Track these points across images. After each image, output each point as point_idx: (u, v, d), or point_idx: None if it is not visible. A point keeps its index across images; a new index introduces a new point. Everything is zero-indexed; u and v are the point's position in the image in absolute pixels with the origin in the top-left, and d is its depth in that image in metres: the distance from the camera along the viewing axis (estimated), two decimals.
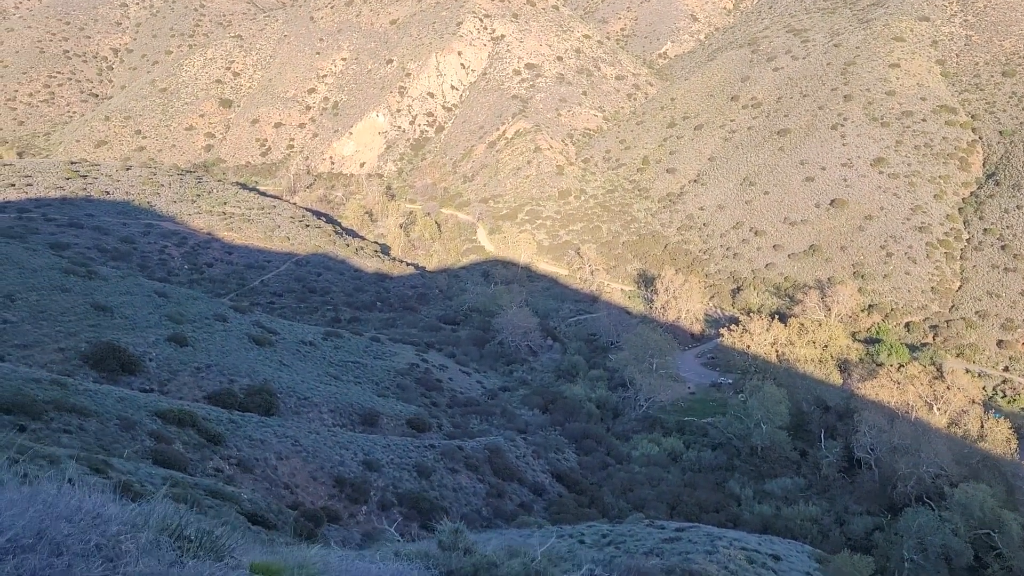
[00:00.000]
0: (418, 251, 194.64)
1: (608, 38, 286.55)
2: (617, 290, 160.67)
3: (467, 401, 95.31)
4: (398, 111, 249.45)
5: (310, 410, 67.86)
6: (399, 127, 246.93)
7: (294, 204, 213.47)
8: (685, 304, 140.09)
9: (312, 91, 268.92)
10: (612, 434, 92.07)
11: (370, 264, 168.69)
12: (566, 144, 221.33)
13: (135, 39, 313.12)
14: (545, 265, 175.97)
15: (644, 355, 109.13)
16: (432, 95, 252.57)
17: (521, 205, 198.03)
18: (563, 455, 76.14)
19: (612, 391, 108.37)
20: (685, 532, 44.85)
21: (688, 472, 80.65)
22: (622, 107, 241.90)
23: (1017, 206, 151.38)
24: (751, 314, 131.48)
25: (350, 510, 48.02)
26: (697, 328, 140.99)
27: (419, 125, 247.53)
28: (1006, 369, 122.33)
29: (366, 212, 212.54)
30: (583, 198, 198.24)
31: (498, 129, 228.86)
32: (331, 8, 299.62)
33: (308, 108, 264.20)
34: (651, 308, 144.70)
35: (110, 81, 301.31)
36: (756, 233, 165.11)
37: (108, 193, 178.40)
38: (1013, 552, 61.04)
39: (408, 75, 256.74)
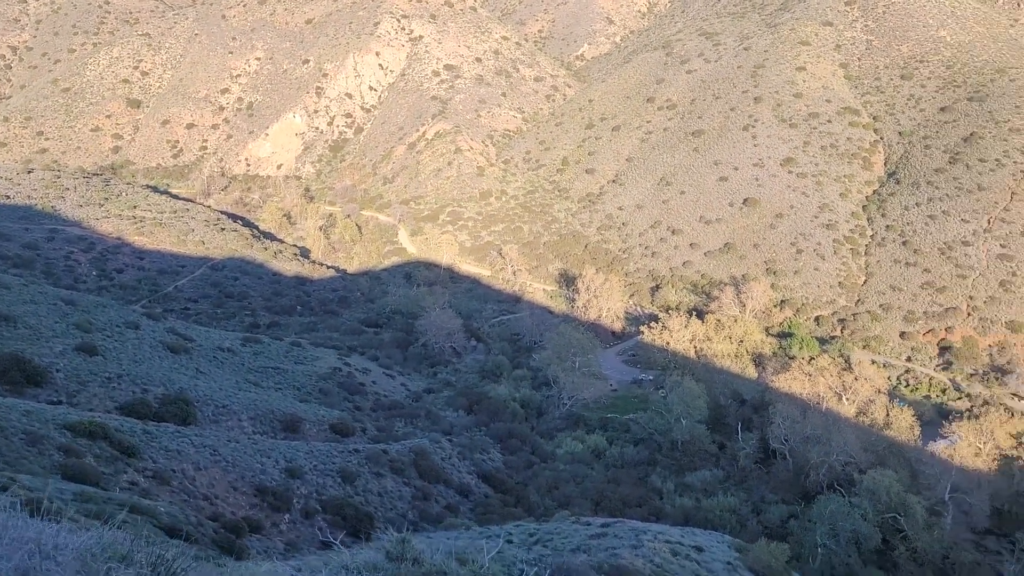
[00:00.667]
0: (339, 254, 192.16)
1: (526, 40, 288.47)
2: (539, 290, 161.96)
3: (391, 404, 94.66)
4: (315, 112, 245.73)
5: (229, 418, 66.34)
6: (317, 128, 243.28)
7: (209, 207, 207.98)
8: (606, 303, 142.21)
9: (225, 91, 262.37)
10: (537, 433, 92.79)
11: (289, 267, 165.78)
12: (486, 145, 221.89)
13: (35, 36, 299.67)
14: (468, 266, 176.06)
15: (567, 354, 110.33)
16: (350, 96, 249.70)
17: (443, 206, 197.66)
18: (488, 455, 76.38)
19: (536, 390, 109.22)
20: (610, 528, 45.58)
21: (612, 468, 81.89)
22: (541, 108, 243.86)
23: (916, 203, 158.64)
24: (670, 311, 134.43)
25: (272, 519, 47.17)
26: (618, 326, 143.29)
27: (337, 126, 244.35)
28: (909, 359, 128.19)
29: (284, 215, 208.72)
30: (504, 199, 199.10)
31: (418, 130, 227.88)
32: (244, 6, 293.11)
33: (222, 109, 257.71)
34: (573, 307, 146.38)
35: (8, 80, 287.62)
36: (673, 232, 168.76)
37: (8, 197, 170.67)
38: (917, 534, 64.05)
39: (325, 76, 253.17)
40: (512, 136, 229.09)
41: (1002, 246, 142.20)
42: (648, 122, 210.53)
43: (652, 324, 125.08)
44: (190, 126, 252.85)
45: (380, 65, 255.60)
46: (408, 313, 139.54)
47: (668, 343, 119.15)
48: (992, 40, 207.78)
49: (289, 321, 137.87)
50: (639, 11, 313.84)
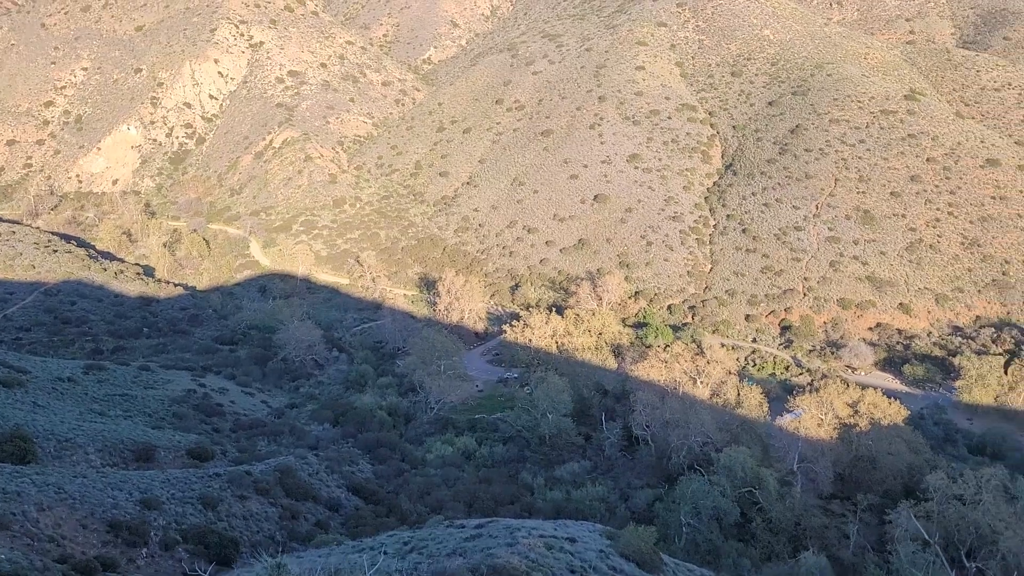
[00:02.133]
0: (186, 270, 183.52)
1: (372, 44, 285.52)
2: (400, 295, 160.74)
3: (252, 423, 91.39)
4: (152, 123, 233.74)
5: (74, 452, 62.11)
6: (155, 140, 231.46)
7: (37, 228, 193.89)
8: (467, 304, 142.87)
9: (50, 104, 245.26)
10: (406, 440, 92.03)
11: (133, 288, 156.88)
12: (337, 152, 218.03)
13: None
14: (325, 275, 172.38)
15: (431, 358, 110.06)
16: (189, 105, 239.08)
17: (295, 216, 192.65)
18: (357, 467, 75.06)
19: (403, 397, 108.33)
20: (485, 528, 45.78)
21: (483, 468, 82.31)
22: (391, 113, 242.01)
23: (752, 193, 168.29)
24: (530, 309, 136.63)
25: (128, 555, 44.54)
26: (481, 327, 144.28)
27: (177, 137, 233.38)
28: (754, 340, 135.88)
29: (124, 233, 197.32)
30: (359, 205, 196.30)
31: (264, 139, 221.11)
32: (65, 14, 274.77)
33: (47, 123, 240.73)
34: (435, 311, 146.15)
35: None
36: (529, 231, 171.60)
37: None
38: (771, 504, 67.90)
39: (160, 85, 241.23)
40: (363, 142, 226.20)
41: (830, 229, 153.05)
42: (498, 123, 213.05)
43: (514, 322, 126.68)
44: (11, 143, 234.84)
45: (220, 73, 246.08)
46: (265, 328, 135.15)
47: (530, 340, 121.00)
48: (810, 38, 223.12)
49: (136, 344, 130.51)
50: (483, 14, 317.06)
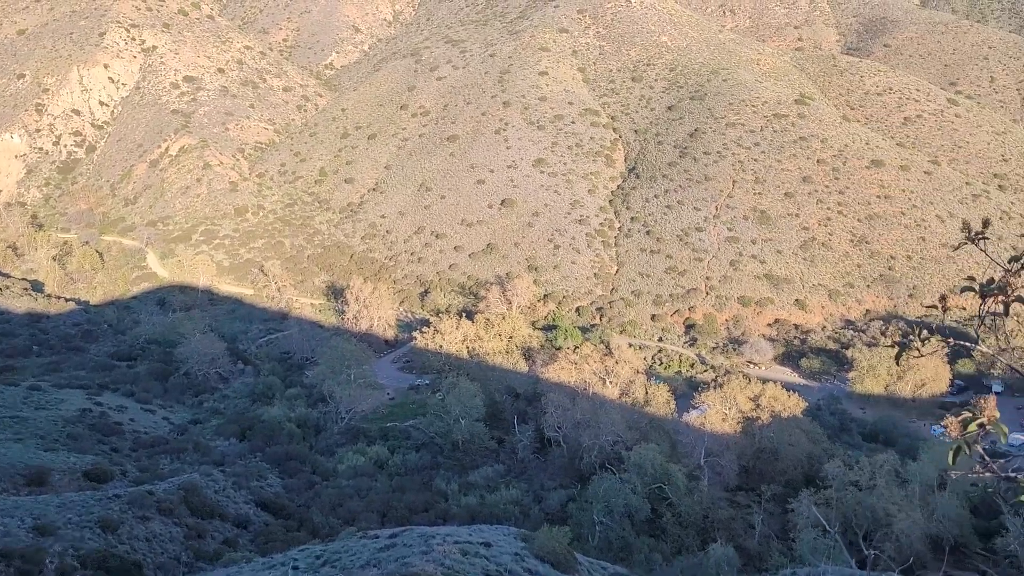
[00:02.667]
0: (79, 284, 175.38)
1: (271, 49, 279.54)
2: (307, 305, 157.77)
3: (154, 441, 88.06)
4: (38, 131, 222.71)
5: None
6: (41, 149, 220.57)
7: None
8: (376, 312, 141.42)
9: None
10: (316, 451, 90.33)
11: (20, 304, 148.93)
12: (238, 159, 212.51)
13: None
14: (228, 286, 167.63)
15: (341, 367, 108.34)
16: (78, 112, 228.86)
17: (195, 226, 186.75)
18: (266, 481, 73.26)
19: (312, 407, 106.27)
20: (399, 537, 45.41)
21: (396, 477, 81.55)
22: (293, 119, 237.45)
23: (655, 195, 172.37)
24: (440, 315, 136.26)
25: None
26: (391, 334, 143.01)
27: (65, 146, 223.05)
28: (660, 340, 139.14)
29: (9, 246, 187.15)
30: (262, 214, 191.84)
31: (160, 146, 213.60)
32: None
33: None
34: (343, 319, 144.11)
35: None
36: (437, 236, 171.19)
37: None
38: (680, 499, 69.64)
39: (46, 91, 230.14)
40: (265, 149, 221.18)
41: (729, 230, 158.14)
42: (403, 129, 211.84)
43: (424, 329, 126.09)
44: None
45: (111, 78, 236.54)
46: (165, 342, 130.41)
47: (441, 346, 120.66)
48: (706, 44, 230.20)
49: (25, 363, 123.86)
50: (385, 19, 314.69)
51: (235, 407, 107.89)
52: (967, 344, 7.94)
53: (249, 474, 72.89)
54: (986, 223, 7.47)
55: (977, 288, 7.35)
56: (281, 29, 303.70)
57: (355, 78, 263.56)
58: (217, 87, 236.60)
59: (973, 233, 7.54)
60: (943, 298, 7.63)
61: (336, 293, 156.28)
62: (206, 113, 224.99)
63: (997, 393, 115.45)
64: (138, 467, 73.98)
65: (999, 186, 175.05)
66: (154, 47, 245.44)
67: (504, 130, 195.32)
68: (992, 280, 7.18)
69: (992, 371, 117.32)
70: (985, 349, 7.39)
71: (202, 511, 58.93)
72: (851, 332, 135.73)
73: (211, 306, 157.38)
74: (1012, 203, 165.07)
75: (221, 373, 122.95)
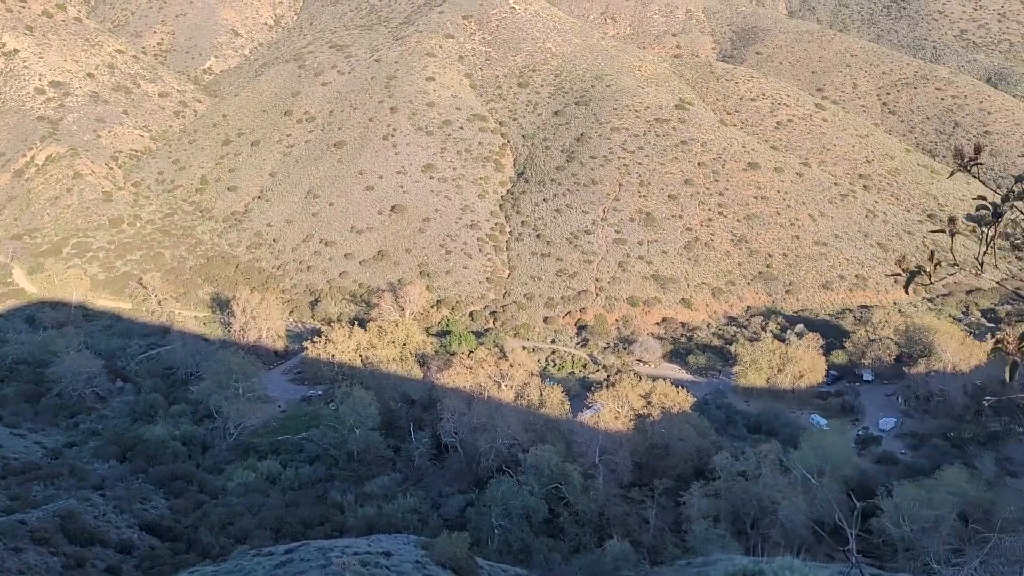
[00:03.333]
0: None
1: (145, 53, 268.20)
2: (190, 318, 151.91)
3: (25, 467, 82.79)
4: None
5: None
6: None
7: None
8: (265, 323, 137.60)
9: None
10: (204, 469, 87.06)
11: None
12: (111, 168, 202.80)
13: None
14: (104, 301, 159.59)
15: (228, 381, 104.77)
16: None
17: (66, 238, 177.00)
18: (151, 503, 70.09)
19: (198, 424, 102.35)
20: (295, 552, 44.28)
21: (289, 492, 79.50)
22: (171, 126, 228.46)
23: (544, 199, 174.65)
24: (332, 323, 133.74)
25: None
26: (280, 345, 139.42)
27: None
28: (553, 342, 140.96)
29: None
30: (139, 224, 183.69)
31: (25, 155, 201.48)
32: None
33: None
34: (230, 331, 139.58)
35: None
36: (327, 244, 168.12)
37: None
38: (577, 498, 70.76)
39: None
40: (141, 156, 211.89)
41: (616, 232, 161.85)
42: (288, 135, 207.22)
43: (315, 339, 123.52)
44: None
45: None
46: (36, 361, 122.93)
47: (333, 355, 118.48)
48: (589, 51, 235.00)
49: None
50: (266, 23, 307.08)
51: (115, 427, 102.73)
52: (976, 270, 7.65)
53: (131, 497, 69.59)
54: (978, 148, 7.24)
55: (990, 207, 6.96)
56: (155, 33, 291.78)
57: (236, 83, 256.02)
58: (87, 93, 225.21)
59: (966, 160, 7.17)
60: (952, 220, 7.63)
61: (222, 305, 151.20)
62: (75, 120, 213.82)
63: (867, 381, 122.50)
64: (8, 495, 69.44)
65: (864, 186, 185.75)
66: (16, 50, 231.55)
67: (392, 136, 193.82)
68: (1010, 194, 6.85)
69: (863, 361, 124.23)
70: (990, 278, 7.60)
71: (81, 538, 55.90)
72: (734, 328, 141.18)
73: (86, 322, 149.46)
74: (876, 202, 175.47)
75: (98, 392, 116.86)
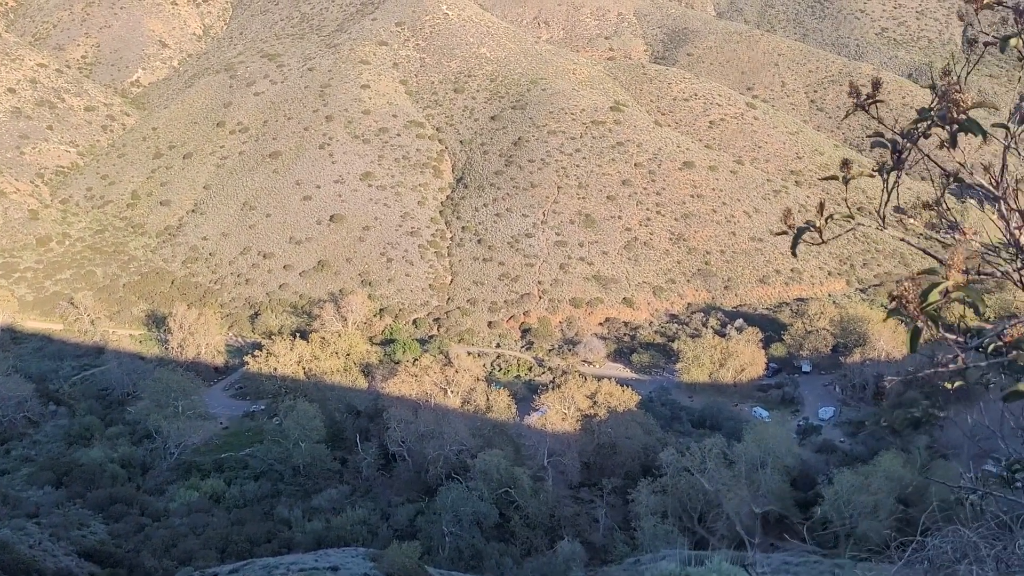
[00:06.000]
0: None
1: (69, 66, 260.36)
2: (125, 336, 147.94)
3: None
4: None
5: None
6: None
7: None
8: (203, 338, 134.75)
9: None
10: (144, 491, 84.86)
11: None
12: (37, 185, 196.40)
13: None
14: (33, 323, 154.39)
15: (167, 399, 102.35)
16: None
17: None
18: (89, 529, 68.01)
19: (137, 445, 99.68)
20: (240, 571, 43.43)
21: (234, 510, 78.00)
22: (98, 140, 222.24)
23: (484, 204, 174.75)
24: (273, 337, 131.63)
25: None
26: (220, 360, 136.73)
27: None
28: (498, 346, 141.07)
29: None
30: (68, 242, 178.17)
31: None
32: None
33: None
34: (167, 349, 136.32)
35: None
36: (265, 256, 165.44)
37: None
38: (527, 501, 70.97)
39: None
40: (68, 173, 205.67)
41: (557, 234, 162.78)
42: (222, 147, 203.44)
43: (256, 353, 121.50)
44: None
45: None
46: None
47: (276, 369, 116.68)
48: (524, 55, 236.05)
49: None
50: (194, 34, 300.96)
51: (48, 452, 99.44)
52: (869, 223, 6.34)
53: (69, 523, 67.44)
54: (876, 84, 6.28)
55: (889, 144, 5.93)
56: (79, 45, 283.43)
57: (165, 95, 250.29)
58: (8, 108, 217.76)
59: (863, 98, 6.29)
60: (846, 163, 6.29)
61: (158, 322, 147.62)
62: None
63: (805, 372, 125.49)
64: None
65: (796, 182, 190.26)
66: None
67: (328, 145, 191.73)
68: (926, 109, 5.75)
69: (801, 353, 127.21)
70: (892, 233, 5.97)
71: (16, 570, 53.87)
72: (676, 325, 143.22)
73: (14, 345, 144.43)
74: (808, 196, 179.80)
75: (30, 417, 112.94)
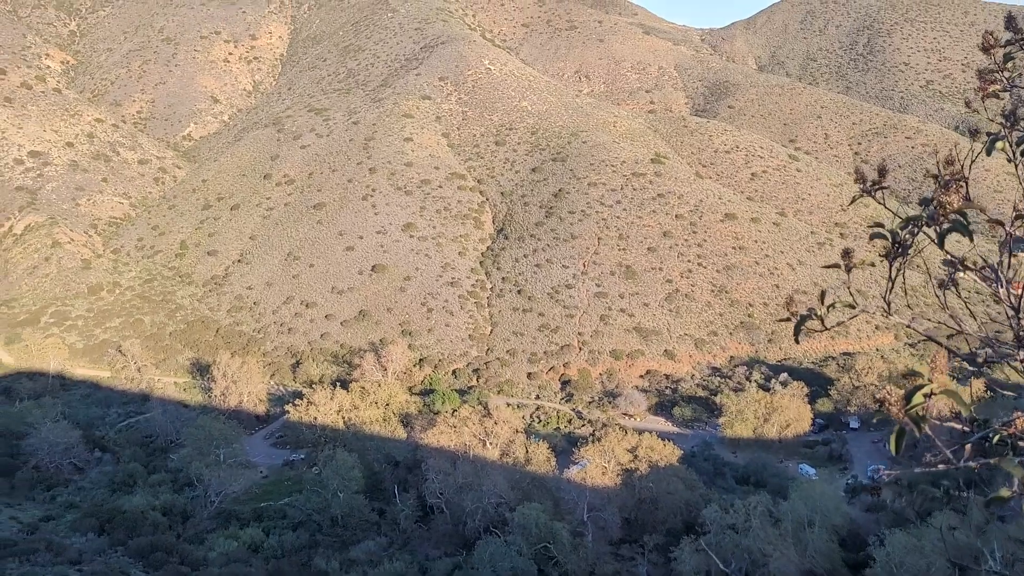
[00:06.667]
0: None
1: (124, 121, 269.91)
2: (170, 384, 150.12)
3: None
4: None
5: None
6: None
7: None
8: (246, 387, 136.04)
9: None
10: (184, 540, 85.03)
11: None
12: (91, 235, 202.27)
13: None
14: (83, 370, 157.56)
15: (209, 447, 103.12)
16: None
17: (44, 307, 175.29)
18: None
19: (178, 493, 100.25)
20: None
21: (272, 560, 77.73)
22: (150, 192, 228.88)
23: (524, 255, 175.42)
24: (314, 386, 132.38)
25: None
26: (262, 409, 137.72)
27: None
28: (537, 397, 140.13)
29: None
30: (118, 291, 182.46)
31: (3, 225, 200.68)
32: None
33: None
34: (210, 397, 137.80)
35: None
36: (307, 305, 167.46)
37: None
38: (566, 557, 69.58)
39: None
40: (120, 223, 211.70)
41: (597, 285, 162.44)
42: (268, 199, 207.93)
43: (297, 401, 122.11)
44: None
45: None
46: (11, 434, 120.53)
47: (316, 418, 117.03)
48: (565, 108, 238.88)
49: None
50: (244, 89, 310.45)
51: (92, 499, 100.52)
52: (873, 310, 6.32)
53: (110, 571, 67.72)
54: (882, 171, 6.38)
55: (888, 235, 5.97)
56: (135, 101, 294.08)
57: (215, 149, 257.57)
58: (66, 162, 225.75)
59: (869, 183, 6.35)
60: (847, 253, 6.39)
61: (202, 370, 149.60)
62: (54, 189, 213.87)
63: (853, 429, 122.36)
64: None
65: (840, 234, 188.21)
66: None
67: (372, 196, 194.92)
68: (927, 199, 5.81)
69: (848, 408, 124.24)
70: (898, 319, 5.92)
71: None
72: (718, 379, 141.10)
73: (64, 392, 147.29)
74: (854, 249, 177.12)
75: (76, 463, 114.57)
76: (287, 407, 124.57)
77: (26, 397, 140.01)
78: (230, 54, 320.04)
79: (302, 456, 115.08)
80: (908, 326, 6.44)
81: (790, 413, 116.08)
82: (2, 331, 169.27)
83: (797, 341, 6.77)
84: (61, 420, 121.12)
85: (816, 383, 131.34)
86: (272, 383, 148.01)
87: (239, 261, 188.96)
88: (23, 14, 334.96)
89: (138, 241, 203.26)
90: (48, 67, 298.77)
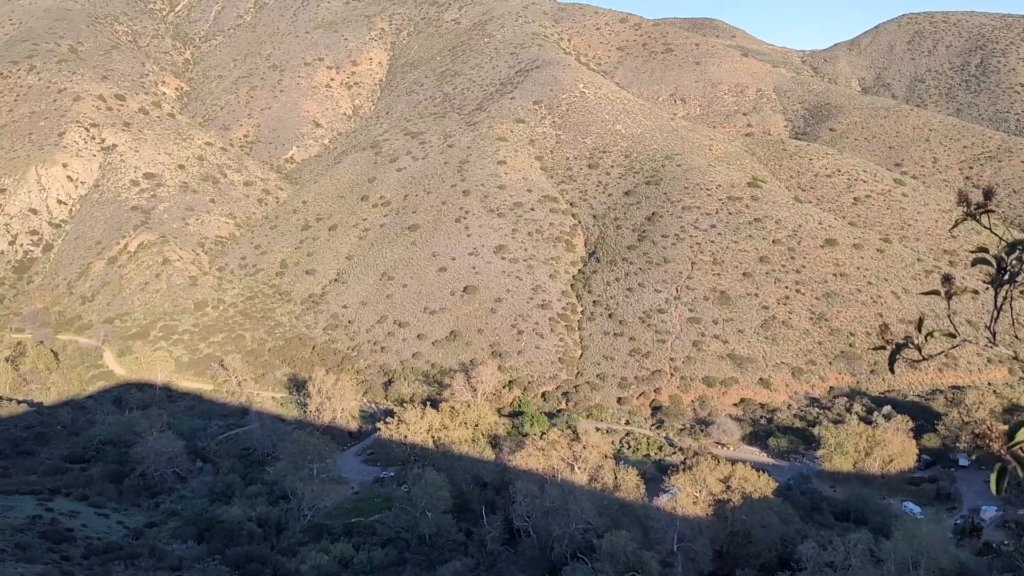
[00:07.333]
0: (31, 385, 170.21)
1: (232, 145, 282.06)
2: (268, 398, 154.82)
3: (107, 547, 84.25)
4: None
5: None
6: None
7: None
8: (339, 403, 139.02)
9: None
10: (278, 551, 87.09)
11: None
12: (198, 253, 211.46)
13: None
14: (187, 382, 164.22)
15: (303, 462, 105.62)
16: (35, 211, 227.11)
17: (153, 321, 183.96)
18: None
19: (273, 505, 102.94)
20: None
21: (360, 575, 78.76)
22: (254, 212, 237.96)
23: (616, 278, 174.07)
24: (405, 404, 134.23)
25: None
26: (354, 425, 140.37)
27: (22, 245, 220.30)
28: (627, 423, 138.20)
29: None
30: (222, 307, 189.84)
31: (119, 243, 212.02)
32: None
33: None
34: (306, 412, 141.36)
35: None
36: (400, 325, 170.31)
37: None
38: None
39: (2, 191, 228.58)
40: (225, 242, 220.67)
41: (690, 310, 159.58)
42: (364, 220, 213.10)
43: (388, 419, 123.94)
44: None
45: (69, 177, 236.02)
46: (121, 442, 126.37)
47: (406, 436, 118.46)
48: (659, 131, 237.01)
49: None
50: (345, 114, 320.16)
51: (193, 507, 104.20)
52: (975, 340, 5.84)
53: None
54: (988, 193, 6.02)
55: (993, 261, 5.58)
56: (242, 125, 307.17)
57: (316, 171, 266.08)
58: (177, 183, 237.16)
59: (973, 207, 6.03)
60: (948, 279, 6.01)
61: (298, 386, 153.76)
62: (166, 209, 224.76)
63: (963, 466, 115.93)
64: None
65: (950, 262, 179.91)
66: (114, 145, 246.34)
67: (464, 218, 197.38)
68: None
69: (957, 444, 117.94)
70: (1004, 349, 5.48)
71: None
72: (816, 409, 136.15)
73: (169, 403, 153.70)
74: (964, 277, 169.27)
75: (179, 472, 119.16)
76: (378, 424, 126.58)
77: (135, 407, 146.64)
78: (332, 79, 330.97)
79: (392, 474, 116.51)
80: (1015, 357, 5.93)
81: (894, 447, 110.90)
82: (115, 343, 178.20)
83: (892, 371, 6.39)
84: (166, 430, 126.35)
85: (922, 417, 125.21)
86: (364, 400, 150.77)
87: (335, 280, 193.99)
88: (143, 44, 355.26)
89: (241, 259, 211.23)
90: (164, 93, 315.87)
